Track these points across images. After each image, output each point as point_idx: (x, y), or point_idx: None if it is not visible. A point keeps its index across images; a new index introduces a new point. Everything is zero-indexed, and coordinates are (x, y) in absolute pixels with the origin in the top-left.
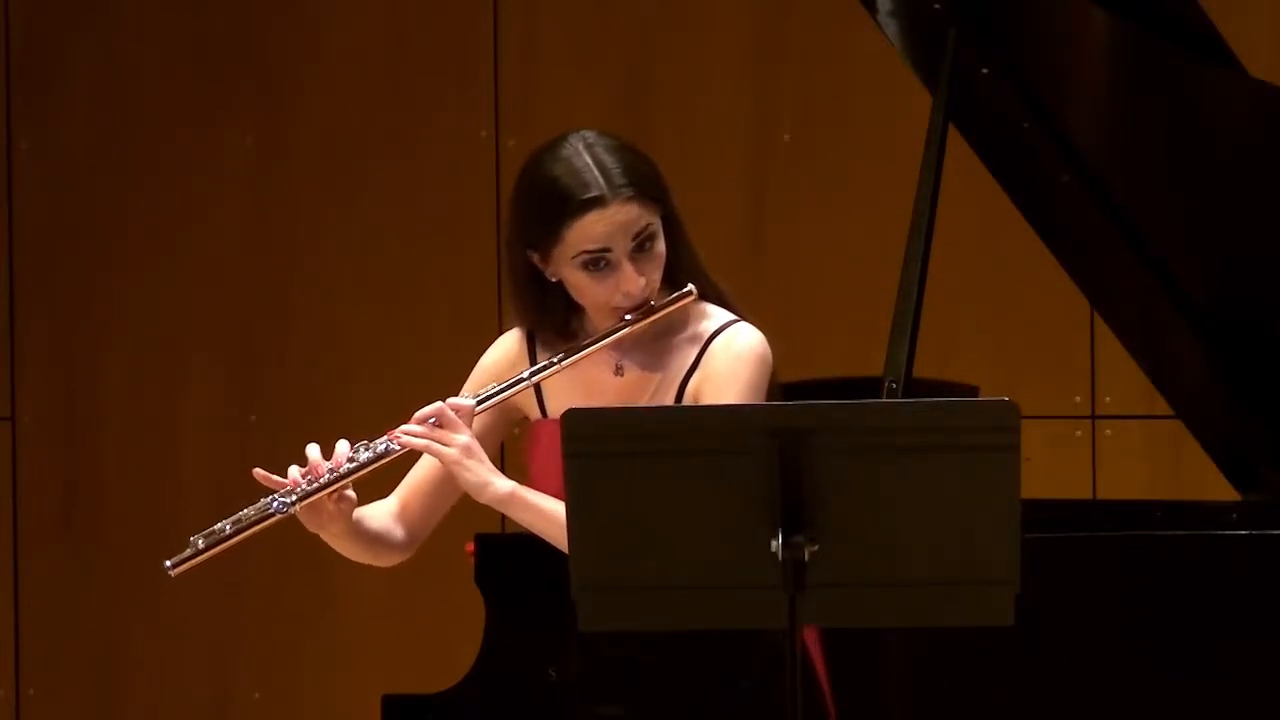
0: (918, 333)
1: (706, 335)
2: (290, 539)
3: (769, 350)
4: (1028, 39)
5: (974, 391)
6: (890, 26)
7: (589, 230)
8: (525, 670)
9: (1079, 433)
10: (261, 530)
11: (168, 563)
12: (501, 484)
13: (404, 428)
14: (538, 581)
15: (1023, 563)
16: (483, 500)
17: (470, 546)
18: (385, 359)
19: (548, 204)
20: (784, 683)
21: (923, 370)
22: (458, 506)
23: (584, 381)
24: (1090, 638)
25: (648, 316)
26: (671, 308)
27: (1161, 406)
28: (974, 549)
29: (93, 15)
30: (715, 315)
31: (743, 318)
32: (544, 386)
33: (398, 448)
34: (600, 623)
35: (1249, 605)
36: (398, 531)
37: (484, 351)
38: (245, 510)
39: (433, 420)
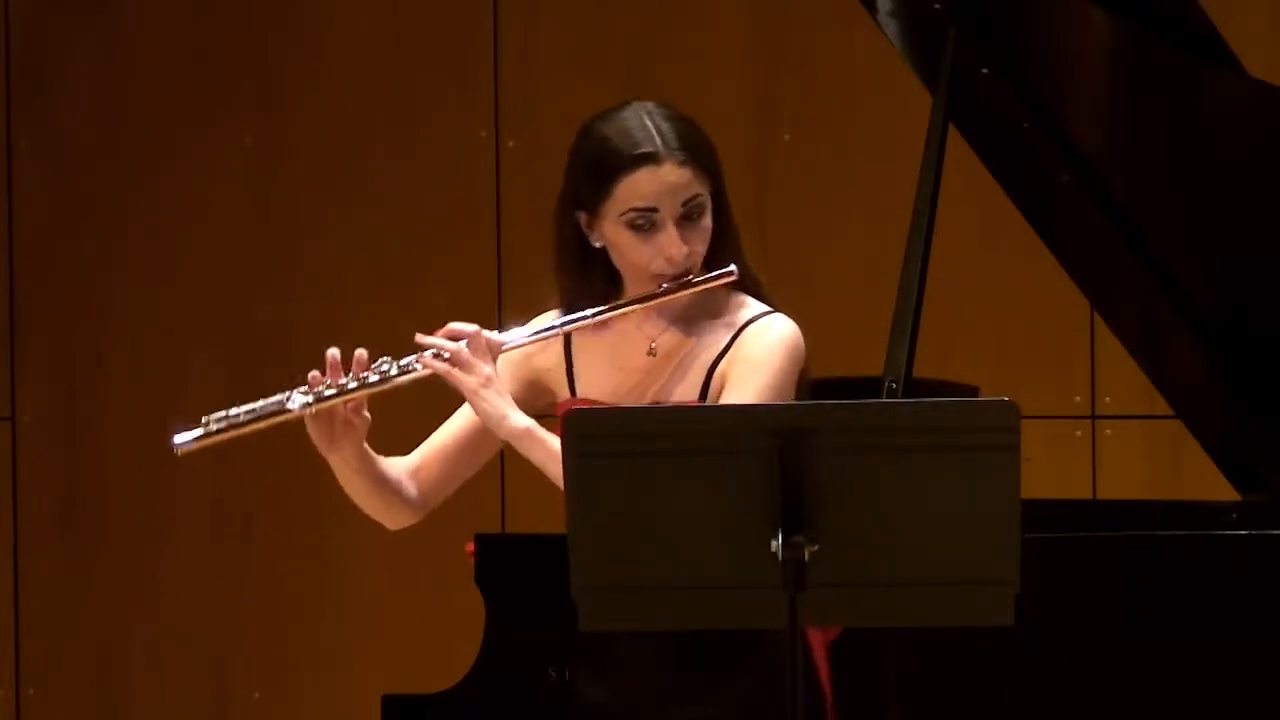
0: (918, 333)
1: (741, 322)
2: (290, 539)
3: (802, 344)
4: (1028, 38)
5: (974, 391)
6: (890, 26)
7: (639, 187)
8: (525, 670)
9: (1079, 433)
10: (272, 426)
11: (176, 439)
12: (518, 418)
13: (425, 338)
14: (538, 581)
15: (1023, 563)
16: (499, 434)
17: (470, 546)
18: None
19: (601, 160)
20: (785, 683)
21: (923, 370)
22: (457, 507)
23: (616, 360)
24: (1090, 638)
25: (685, 288)
26: (710, 283)
27: (1161, 406)
28: (974, 549)
29: (93, 15)
30: (752, 305)
31: (773, 305)
32: (576, 364)
33: (420, 368)
34: (600, 623)
35: (1249, 605)
36: (410, 488)
37: None
38: (261, 401)
39: (464, 342)
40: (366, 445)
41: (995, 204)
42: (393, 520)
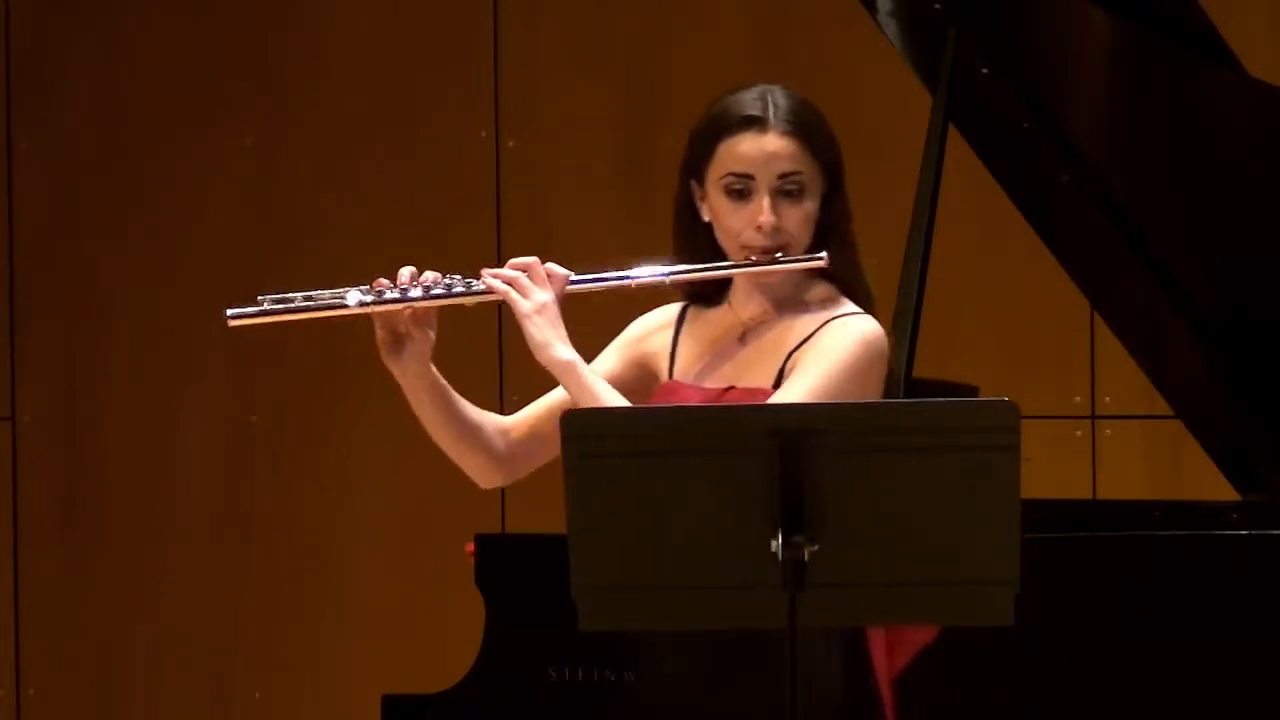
0: (918, 333)
1: (829, 317)
2: (290, 539)
3: (882, 345)
4: (1028, 39)
5: (974, 391)
6: (890, 26)
7: (738, 149)
8: (525, 670)
9: (1079, 433)
10: (328, 317)
11: (229, 311)
12: (564, 351)
13: (493, 270)
14: (538, 581)
15: (1023, 563)
16: (541, 360)
17: (470, 547)
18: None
19: (710, 123)
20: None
21: (923, 370)
22: (457, 507)
23: (710, 342)
24: (1090, 638)
25: (771, 264)
26: (796, 264)
27: (1161, 406)
28: (974, 549)
29: (93, 15)
30: (846, 306)
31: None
32: (679, 348)
33: (483, 287)
34: (600, 623)
35: (1249, 605)
36: (497, 443)
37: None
38: (322, 290)
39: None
40: (438, 374)
41: (995, 204)
42: (477, 472)
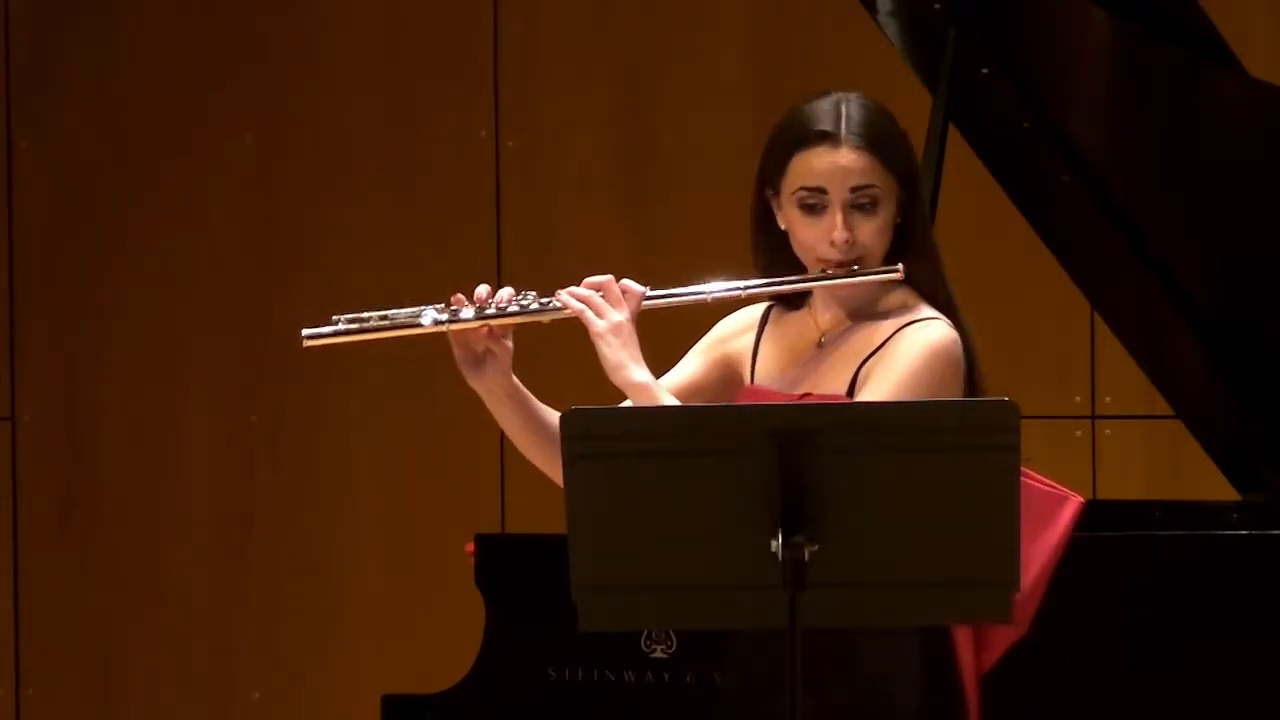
0: None
1: (903, 324)
2: (290, 539)
3: (955, 351)
4: (1028, 39)
5: None
6: (890, 26)
7: (810, 164)
8: (525, 670)
9: (1079, 433)
10: (405, 336)
11: (305, 331)
12: (638, 373)
13: (569, 289)
14: (538, 581)
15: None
16: (615, 381)
17: (470, 547)
18: (385, 358)
19: (784, 134)
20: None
21: None
22: (457, 507)
23: (790, 348)
24: (1090, 638)
25: (847, 278)
26: (872, 276)
27: (1161, 406)
28: (974, 549)
29: (93, 15)
30: (921, 311)
31: (961, 329)
32: (760, 351)
33: (558, 305)
34: (600, 623)
35: (1249, 605)
36: None
37: None
38: (398, 309)
39: (600, 294)
40: (519, 383)
41: (995, 204)
42: (558, 475)
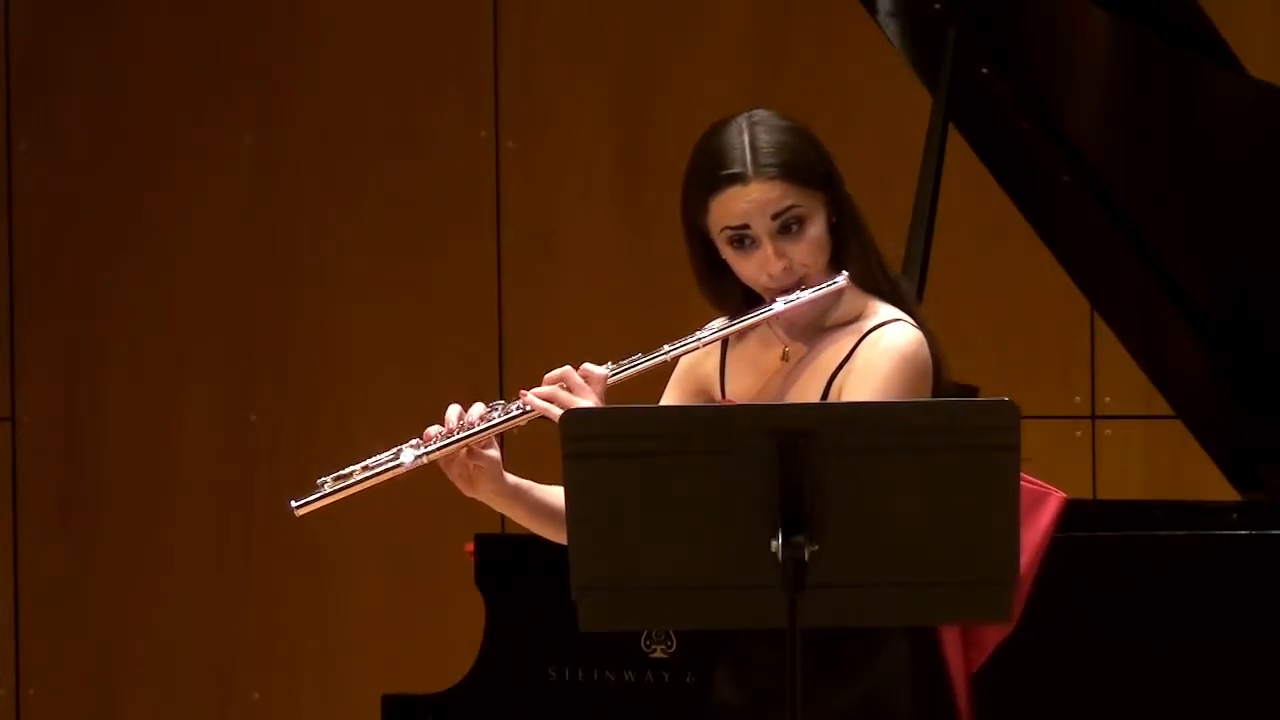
0: None
1: (865, 330)
2: (290, 540)
3: (923, 352)
4: (1028, 39)
5: (974, 391)
6: (890, 26)
7: (728, 206)
8: (525, 670)
9: (1079, 433)
10: (390, 479)
11: (293, 502)
12: None
13: (533, 390)
14: (538, 581)
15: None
16: None
17: (470, 547)
18: (385, 359)
19: (697, 178)
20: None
21: None
22: (458, 507)
23: (755, 363)
24: (1090, 638)
25: (791, 302)
26: (817, 294)
27: (1161, 406)
28: (974, 549)
29: (93, 15)
30: (881, 312)
31: (915, 318)
32: (727, 367)
33: (529, 409)
34: (600, 623)
35: (1249, 605)
36: None
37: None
38: (378, 455)
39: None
40: (517, 481)
41: (995, 204)
42: None
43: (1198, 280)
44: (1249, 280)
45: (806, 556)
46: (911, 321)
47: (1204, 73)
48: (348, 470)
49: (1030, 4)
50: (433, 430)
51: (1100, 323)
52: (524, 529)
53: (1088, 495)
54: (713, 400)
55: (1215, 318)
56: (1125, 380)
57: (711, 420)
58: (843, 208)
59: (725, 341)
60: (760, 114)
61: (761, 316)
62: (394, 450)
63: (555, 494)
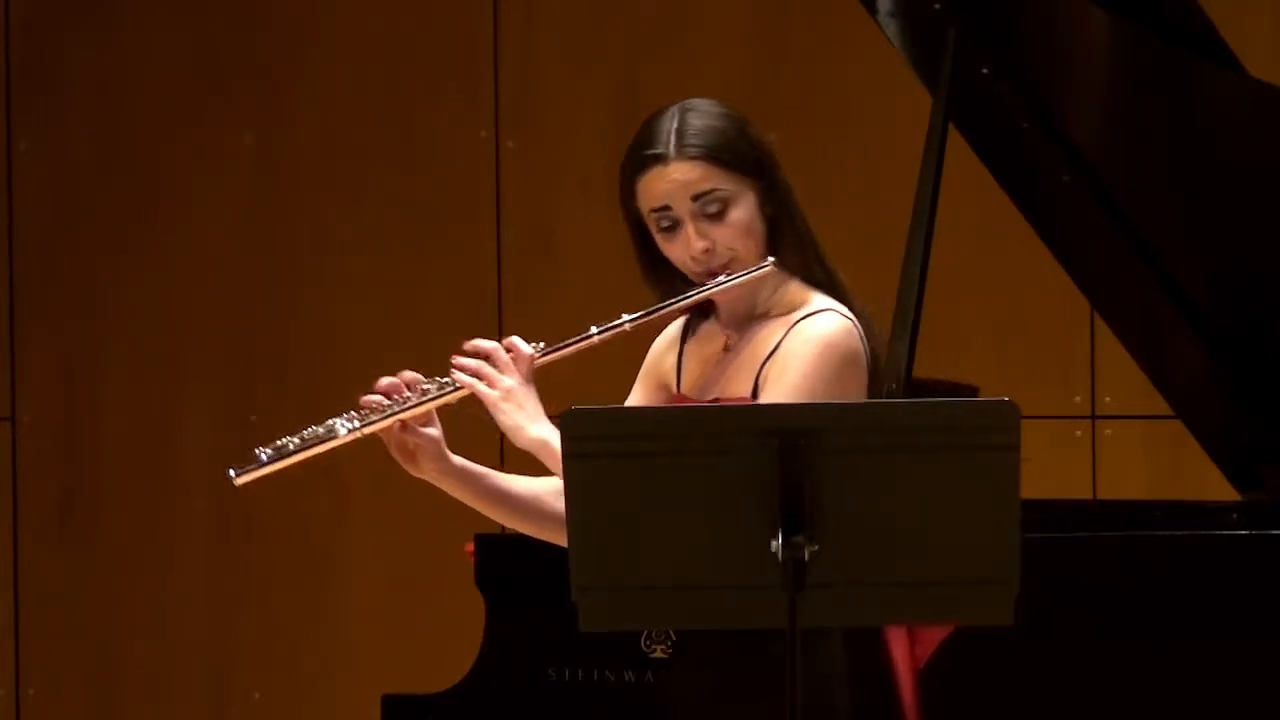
0: (918, 333)
1: (795, 320)
2: (290, 539)
3: (850, 341)
4: (1028, 39)
5: (974, 391)
6: (890, 26)
7: (650, 187)
8: (525, 670)
9: (1079, 433)
10: (325, 452)
11: (232, 471)
12: (534, 430)
13: (458, 361)
14: (538, 581)
15: (1023, 563)
16: (517, 444)
17: (470, 547)
18: (385, 359)
19: (626, 161)
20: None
21: (923, 370)
22: (458, 507)
23: (705, 356)
24: (1090, 638)
25: (715, 287)
26: (740, 278)
27: (1161, 406)
28: (974, 549)
29: (93, 15)
30: (814, 302)
31: (850, 306)
32: (683, 360)
33: (457, 385)
34: (600, 623)
35: (1249, 605)
36: (560, 504)
37: None
38: (312, 428)
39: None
40: (463, 461)
41: (995, 204)
42: (551, 537)
43: (1198, 280)
44: (1249, 280)
45: (806, 556)
46: (844, 311)
47: (1204, 73)
48: (283, 441)
49: (1030, 4)
50: (370, 399)
51: (1100, 323)
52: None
53: (1088, 495)
54: (671, 395)
55: (1215, 318)
56: (1125, 380)
57: (712, 420)
58: (777, 196)
59: (684, 337)
60: (695, 101)
61: (685, 301)
62: (328, 423)
63: (513, 482)
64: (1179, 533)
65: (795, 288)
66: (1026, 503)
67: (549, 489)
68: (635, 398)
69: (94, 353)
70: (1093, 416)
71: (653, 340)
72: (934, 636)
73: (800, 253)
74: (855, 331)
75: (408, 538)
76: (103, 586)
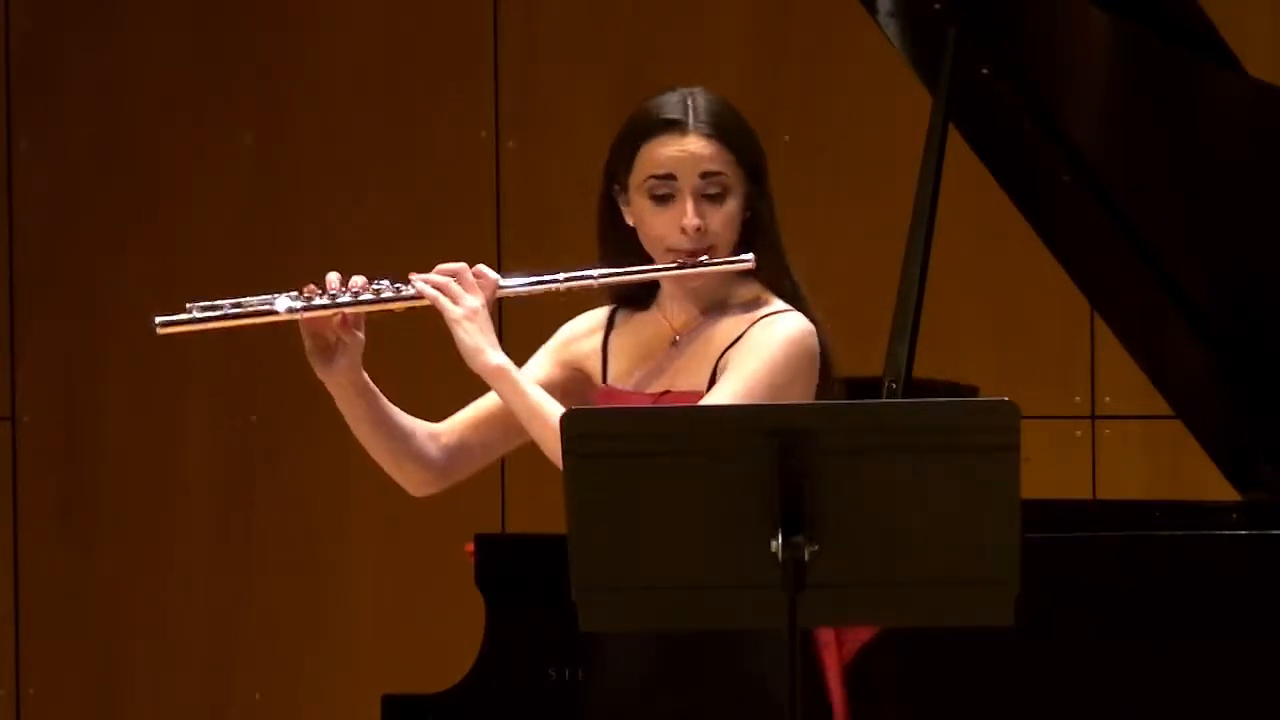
0: (918, 333)
1: (758, 316)
2: (290, 539)
3: (813, 343)
4: (1028, 39)
5: (974, 391)
6: (890, 26)
7: (658, 152)
8: (525, 670)
9: (1079, 433)
10: (257, 324)
11: (157, 319)
12: (494, 356)
13: (422, 276)
14: (538, 581)
15: (1023, 563)
16: (473, 366)
17: (470, 547)
18: (385, 358)
19: (631, 128)
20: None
21: (923, 370)
22: (457, 507)
23: (642, 347)
24: (1090, 638)
25: (698, 267)
26: (724, 265)
27: (1161, 406)
28: (974, 549)
29: (93, 15)
30: (774, 304)
31: (812, 318)
32: (610, 352)
33: (413, 292)
34: (600, 623)
35: (1249, 605)
36: (430, 449)
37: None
38: (251, 297)
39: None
40: (368, 378)
41: (995, 204)
42: (407, 479)
43: (1198, 280)
44: (1249, 280)
45: (806, 556)
46: (807, 316)
47: (1204, 73)
48: (219, 302)
49: (1030, 4)
50: (313, 287)
51: (1100, 323)
52: (524, 529)
53: (1088, 495)
54: (585, 380)
55: (1215, 318)
56: (1125, 380)
57: (712, 420)
58: (763, 205)
59: (609, 327)
60: (704, 89)
61: (662, 273)
62: (270, 296)
63: (396, 411)
64: (1179, 533)
65: (759, 290)
66: (1026, 503)
67: (424, 429)
68: (538, 366)
69: (94, 353)
70: (1093, 416)
71: (567, 318)
72: (858, 638)
73: (775, 262)
74: (815, 336)
75: (408, 538)
76: (103, 586)
